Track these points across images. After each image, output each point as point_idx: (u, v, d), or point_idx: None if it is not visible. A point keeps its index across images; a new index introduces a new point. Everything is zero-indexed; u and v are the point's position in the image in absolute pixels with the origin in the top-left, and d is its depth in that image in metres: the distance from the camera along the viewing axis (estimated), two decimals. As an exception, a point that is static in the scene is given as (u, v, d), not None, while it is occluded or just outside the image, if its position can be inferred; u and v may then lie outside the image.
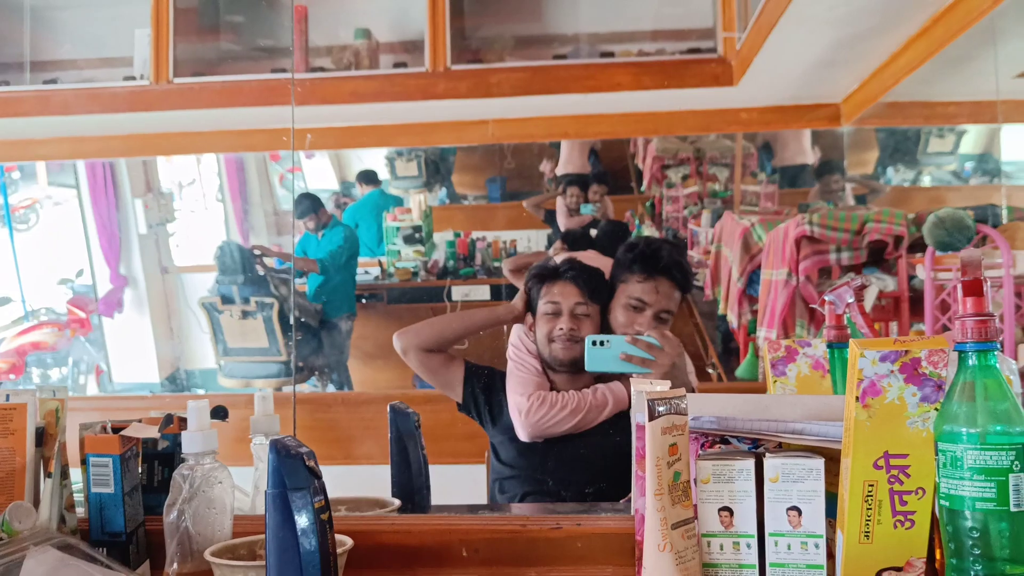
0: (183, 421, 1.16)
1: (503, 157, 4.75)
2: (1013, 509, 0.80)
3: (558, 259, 2.05)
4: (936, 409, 0.86)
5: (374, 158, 5.08)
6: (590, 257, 2.09)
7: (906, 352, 0.86)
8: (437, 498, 1.93)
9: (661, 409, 0.94)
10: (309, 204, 4.74)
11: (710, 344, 4.08)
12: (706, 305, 4.03)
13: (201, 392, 4.79)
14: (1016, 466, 0.80)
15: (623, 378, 1.88)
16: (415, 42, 3.36)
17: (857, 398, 0.88)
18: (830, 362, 1.26)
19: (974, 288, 0.82)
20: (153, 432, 1.11)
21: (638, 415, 0.98)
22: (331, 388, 4.46)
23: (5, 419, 1.07)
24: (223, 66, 3.58)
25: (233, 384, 4.43)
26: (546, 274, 1.94)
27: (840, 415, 0.95)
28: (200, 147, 4.07)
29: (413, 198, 4.81)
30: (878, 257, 2.92)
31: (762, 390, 3.23)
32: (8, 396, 1.08)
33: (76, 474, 1.19)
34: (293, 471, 0.84)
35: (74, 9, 3.63)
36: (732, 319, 3.59)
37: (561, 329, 1.87)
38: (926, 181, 4.59)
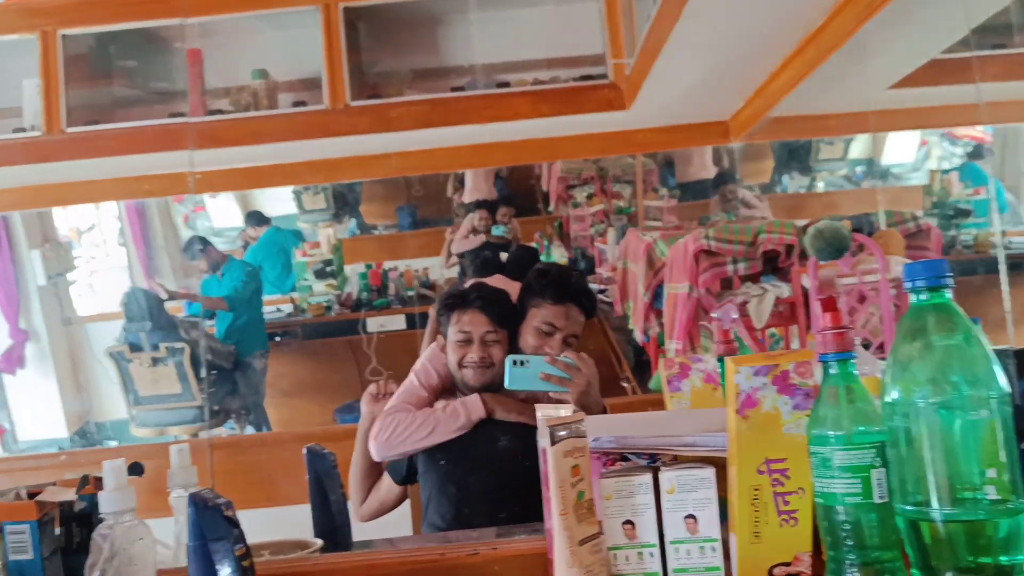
0: (99, 480, 1.17)
1: (411, 185, 4.79)
2: (877, 501, 0.89)
3: (467, 284, 2.11)
4: (807, 415, 0.94)
5: (281, 193, 5.05)
6: (496, 282, 2.15)
7: (776, 366, 0.94)
8: (366, 531, 1.96)
9: (561, 434, 1.00)
10: (198, 246, 4.68)
11: (623, 358, 4.19)
12: (617, 320, 4.14)
13: (114, 444, 4.66)
14: (877, 462, 0.89)
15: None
16: (313, 79, 3.37)
17: (736, 410, 0.96)
18: (721, 376, 1.35)
19: (830, 304, 0.91)
20: (70, 495, 1.12)
21: (541, 440, 1.04)
22: (250, 430, 4.41)
23: (-85, 493, 1.06)
24: (118, 112, 3.53)
25: (147, 433, 4.33)
26: (455, 302, 2.00)
27: (725, 425, 1.03)
28: (98, 195, 3.99)
29: (322, 232, 4.81)
30: (773, 265, 3.06)
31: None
32: (-84, 470, 1.07)
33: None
34: (212, 522, 0.87)
35: (-44, 61, 3.53)
36: (638, 334, 3.70)
37: (472, 358, 1.94)
38: (820, 187, 4.82)
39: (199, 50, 3.34)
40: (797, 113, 3.68)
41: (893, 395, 0.84)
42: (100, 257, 5.09)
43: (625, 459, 1.12)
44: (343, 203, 5.12)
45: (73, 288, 4.93)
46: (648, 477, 1.03)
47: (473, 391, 1.95)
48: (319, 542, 1.29)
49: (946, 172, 4.33)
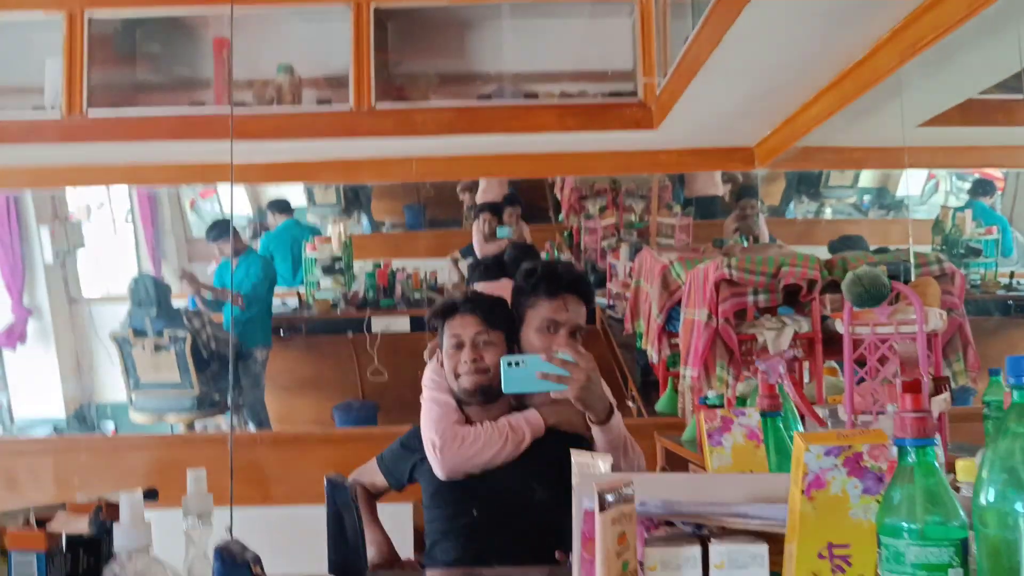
0: (111, 506, 1.11)
1: (422, 185, 4.74)
2: (952, 603, 0.83)
3: (459, 294, 2.04)
4: (877, 501, 0.89)
5: (292, 184, 5.00)
6: (503, 286, 2.08)
7: (849, 447, 0.89)
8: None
9: (610, 499, 0.94)
10: (224, 228, 4.63)
11: (629, 377, 4.14)
12: (625, 338, 4.08)
13: (111, 426, 4.61)
14: (955, 561, 0.83)
15: (532, 400, 1.90)
16: (338, 77, 3.33)
17: (803, 491, 0.90)
18: (763, 431, 1.29)
19: (914, 386, 0.86)
20: (82, 526, 1.06)
21: (586, 500, 0.98)
22: (247, 422, 4.36)
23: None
24: (139, 97, 3.48)
25: (145, 419, 4.28)
26: (446, 310, 1.93)
27: (778, 494, 0.98)
28: (114, 179, 3.92)
29: (333, 227, 4.76)
30: (792, 299, 3.00)
31: (681, 425, 3.25)
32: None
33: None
34: (240, 578, 0.82)
35: (-22, 35, 3.47)
36: (652, 354, 3.64)
37: (465, 362, 1.86)
38: (828, 213, 4.78)
39: (226, 39, 3.29)
40: (824, 145, 3.64)
41: (989, 497, 0.78)
42: (108, 235, 5.04)
43: (670, 523, 1.06)
44: (354, 198, 5.08)
45: (80, 266, 4.88)
46: (697, 550, 0.97)
47: (471, 396, 1.86)
48: (335, 580, 1.23)
49: (960, 210, 4.28)
